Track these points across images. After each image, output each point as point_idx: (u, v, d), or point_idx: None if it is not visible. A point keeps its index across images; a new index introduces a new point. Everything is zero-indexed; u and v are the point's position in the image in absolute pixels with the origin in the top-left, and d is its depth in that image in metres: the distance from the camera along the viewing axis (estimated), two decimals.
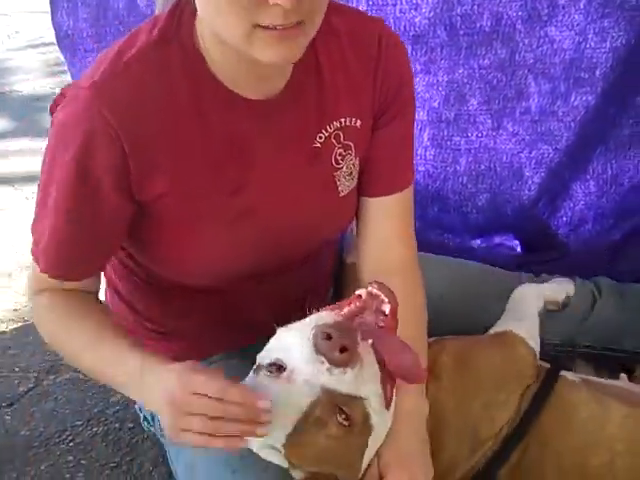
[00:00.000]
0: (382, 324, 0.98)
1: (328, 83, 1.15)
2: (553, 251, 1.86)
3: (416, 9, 1.67)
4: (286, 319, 1.07)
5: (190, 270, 1.17)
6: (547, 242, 1.88)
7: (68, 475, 1.54)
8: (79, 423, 1.64)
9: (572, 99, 1.74)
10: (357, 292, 1.00)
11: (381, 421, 1.02)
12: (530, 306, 1.47)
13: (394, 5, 1.67)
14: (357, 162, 1.23)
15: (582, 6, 1.66)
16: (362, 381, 0.96)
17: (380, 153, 1.25)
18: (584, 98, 1.73)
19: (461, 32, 1.69)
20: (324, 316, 0.98)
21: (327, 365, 0.93)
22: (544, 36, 1.69)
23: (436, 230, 1.84)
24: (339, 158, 1.19)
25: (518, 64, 1.72)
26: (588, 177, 1.85)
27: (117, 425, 1.64)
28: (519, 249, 1.88)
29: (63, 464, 1.57)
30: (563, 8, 1.66)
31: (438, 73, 1.73)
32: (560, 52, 1.70)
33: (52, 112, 1.11)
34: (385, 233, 1.28)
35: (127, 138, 1.03)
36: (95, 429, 1.62)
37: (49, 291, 1.16)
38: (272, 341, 1.04)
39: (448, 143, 1.80)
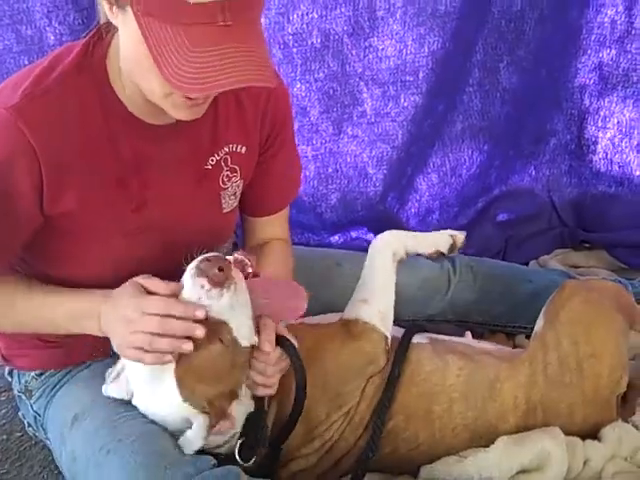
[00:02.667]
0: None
1: (222, 114, 1.30)
2: None
3: None
4: None
5: (81, 272, 1.26)
6: None
7: None
8: None
9: (402, 101, 1.91)
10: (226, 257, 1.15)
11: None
12: (385, 268, 1.43)
13: None
14: (241, 184, 1.38)
15: (398, 17, 1.84)
16: (236, 305, 1.12)
17: (272, 180, 1.43)
18: (412, 99, 1.91)
19: (294, 50, 1.86)
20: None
21: (207, 287, 1.10)
22: (369, 46, 1.87)
23: (297, 230, 1.99)
24: (226, 180, 1.35)
25: (349, 74, 1.89)
26: (429, 170, 2.04)
27: (4, 437, 1.71)
28: None
29: None
30: (382, 20, 1.84)
31: None
32: (385, 59, 1.88)
33: None
34: (269, 235, 1.48)
35: (44, 158, 1.11)
36: None
37: None
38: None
39: None
